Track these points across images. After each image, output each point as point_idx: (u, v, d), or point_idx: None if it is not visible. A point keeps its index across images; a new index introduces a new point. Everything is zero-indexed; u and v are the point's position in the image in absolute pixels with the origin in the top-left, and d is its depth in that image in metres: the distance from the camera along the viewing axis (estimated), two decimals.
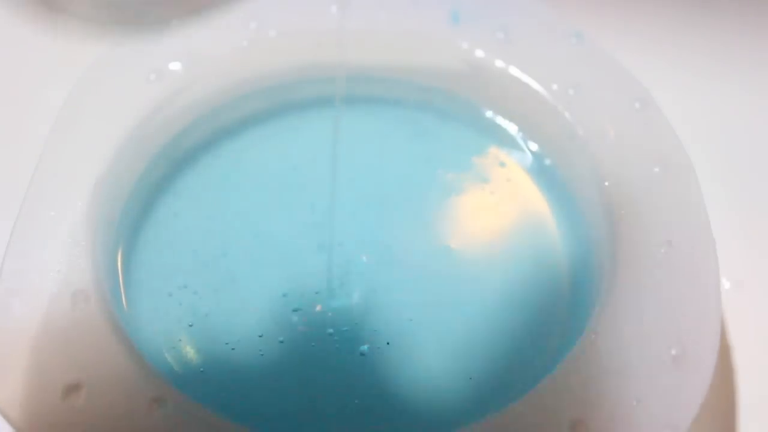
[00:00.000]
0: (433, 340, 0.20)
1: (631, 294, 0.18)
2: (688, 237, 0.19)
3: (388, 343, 0.19)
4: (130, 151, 0.21)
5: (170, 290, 0.20)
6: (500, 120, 0.23)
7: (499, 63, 0.22)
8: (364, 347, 0.19)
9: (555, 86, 0.22)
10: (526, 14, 0.23)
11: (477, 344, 0.20)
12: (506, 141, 0.23)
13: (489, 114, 0.23)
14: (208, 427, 0.16)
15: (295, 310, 0.20)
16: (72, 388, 0.16)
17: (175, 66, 0.22)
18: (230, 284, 0.20)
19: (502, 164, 0.23)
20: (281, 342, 0.19)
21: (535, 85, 0.22)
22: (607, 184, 0.20)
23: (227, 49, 0.22)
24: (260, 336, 0.19)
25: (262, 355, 0.19)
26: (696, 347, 0.18)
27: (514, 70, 0.22)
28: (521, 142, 0.23)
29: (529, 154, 0.23)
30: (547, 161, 0.22)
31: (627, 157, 0.20)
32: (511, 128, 0.23)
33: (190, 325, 0.20)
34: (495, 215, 0.22)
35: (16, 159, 0.22)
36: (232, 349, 0.19)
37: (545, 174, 0.22)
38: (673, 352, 0.17)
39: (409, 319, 0.20)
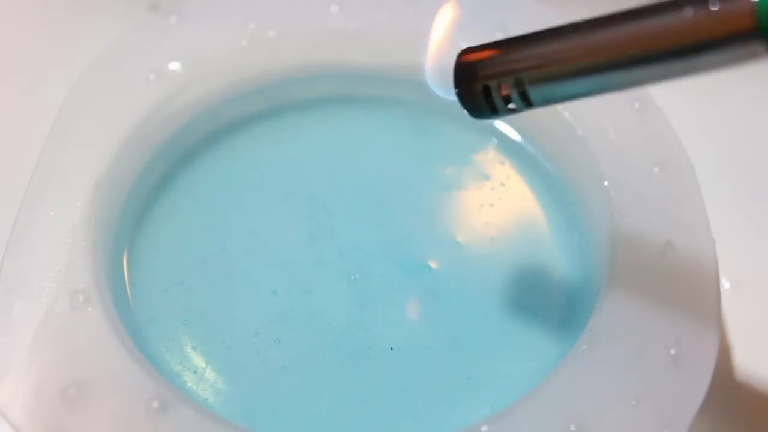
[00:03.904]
0: (432, 339, 0.20)
1: (631, 294, 0.18)
2: (688, 237, 0.19)
3: (391, 349, 0.19)
4: (130, 151, 0.21)
5: (166, 286, 0.20)
6: (500, 120, 0.23)
7: None
8: (363, 347, 0.19)
9: None
10: (526, 14, 0.23)
11: (477, 344, 0.20)
12: (506, 141, 0.23)
13: None
14: (207, 426, 0.16)
15: (292, 309, 0.20)
16: (72, 388, 0.16)
17: (174, 66, 0.22)
18: (227, 281, 0.20)
19: (502, 163, 0.23)
20: (278, 341, 0.19)
21: None
22: (607, 184, 0.20)
23: (227, 49, 0.22)
24: (257, 334, 0.19)
25: (258, 354, 0.19)
26: (696, 347, 0.18)
27: None
28: (521, 142, 0.23)
29: (529, 154, 0.23)
30: (547, 161, 0.22)
31: (627, 157, 0.20)
32: (511, 128, 0.23)
33: (186, 323, 0.20)
34: (494, 215, 0.22)
35: (16, 159, 0.22)
36: (229, 347, 0.19)
37: (545, 174, 0.22)
38: (673, 352, 0.17)
39: (408, 318, 0.20)
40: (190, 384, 0.19)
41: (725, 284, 0.22)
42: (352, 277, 0.20)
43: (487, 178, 0.22)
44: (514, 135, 0.23)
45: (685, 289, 0.18)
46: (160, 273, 0.20)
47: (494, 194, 0.22)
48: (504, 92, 0.17)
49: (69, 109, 0.21)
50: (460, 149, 0.23)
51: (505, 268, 0.21)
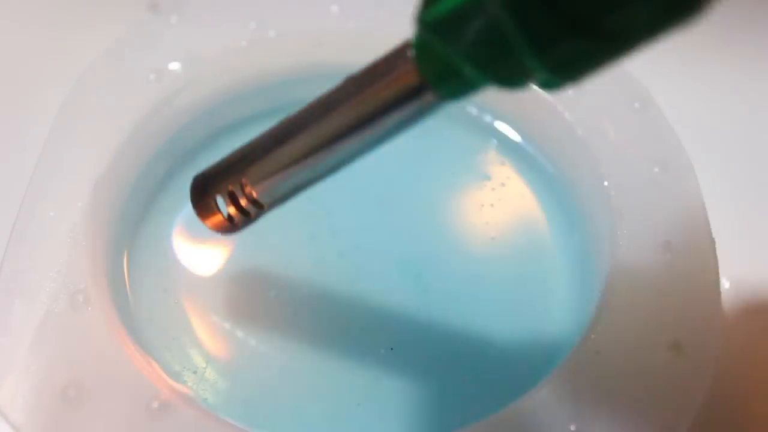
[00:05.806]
0: (432, 339, 0.20)
1: (631, 294, 0.18)
2: (688, 237, 0.19)
3: (391, 349, 0.19)
4: (130, 151, 0.21)
5: (166, 286, 0.20)
6: (500, 120, 0.23)
7: None
8: (363, 347, 0.19)
9: None
10: None
11: (477, 344, 0.20)
12: (506, 141, 0.23)
13: (489, 114, 0.23)
14: (207, 426, 0.16)
15: (292, 309, 0.20)
16: (72, 388, 0.16)
17: (174, 66, 0.22)
18: (227, 281, 0.20)
19: (502, 163, 0.23)
20: (278, 341, 0.19)
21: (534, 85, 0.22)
22: (606, 184, 0.20)
23: (227, 49, 0.22)
24: (257, 334, 0.19)
25: (258, 354, 0.19)
26: (696, 347, 0.18)
27: None
28: (521, 143, 0.23)
29: (529, 155, 0.23)
30: (547, 161, 0.22)
31: (627, 157, 0.20)
32: (511, 128, 0.23)
33: (186, 323, 0.20)
34: (494, 215, 0.22)
35: (16, 159, 0.22)
36: (229, 347, 0.19)
37: (545, 174, 0.22)
38: (673, 352, 0.17)
39: (408, 318, 0.20)
40: (190, 384, 0.19)
41: (725, 284, 0.22)
42: (352, 277, 0.20)
43: (487, 178, 0.22)
44: (514, 135, 0.23)
45: (685, 289, 0.18)
46: (159, 272, 0.20)
47: (494, 194, 0.22)
48: (237, 202, 0.17)
49: (69, 108, 0.21)
50: (460, 149, 0.23)
51: (504, 268, 0.21)
